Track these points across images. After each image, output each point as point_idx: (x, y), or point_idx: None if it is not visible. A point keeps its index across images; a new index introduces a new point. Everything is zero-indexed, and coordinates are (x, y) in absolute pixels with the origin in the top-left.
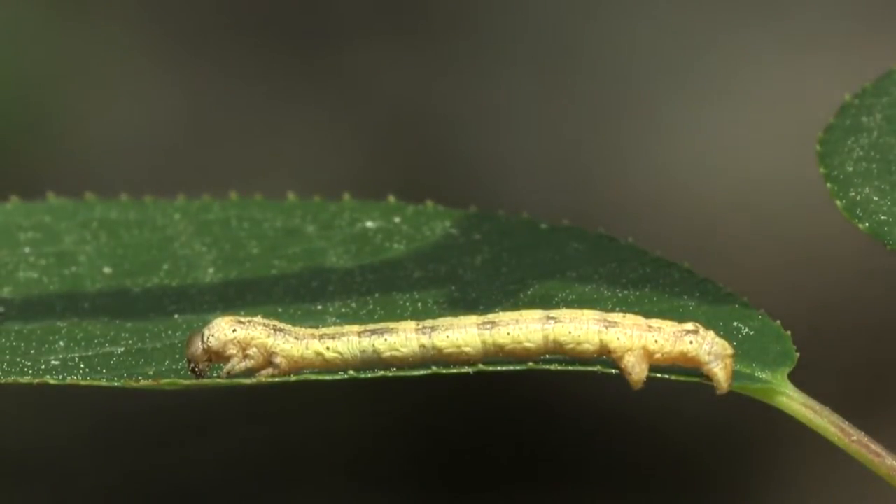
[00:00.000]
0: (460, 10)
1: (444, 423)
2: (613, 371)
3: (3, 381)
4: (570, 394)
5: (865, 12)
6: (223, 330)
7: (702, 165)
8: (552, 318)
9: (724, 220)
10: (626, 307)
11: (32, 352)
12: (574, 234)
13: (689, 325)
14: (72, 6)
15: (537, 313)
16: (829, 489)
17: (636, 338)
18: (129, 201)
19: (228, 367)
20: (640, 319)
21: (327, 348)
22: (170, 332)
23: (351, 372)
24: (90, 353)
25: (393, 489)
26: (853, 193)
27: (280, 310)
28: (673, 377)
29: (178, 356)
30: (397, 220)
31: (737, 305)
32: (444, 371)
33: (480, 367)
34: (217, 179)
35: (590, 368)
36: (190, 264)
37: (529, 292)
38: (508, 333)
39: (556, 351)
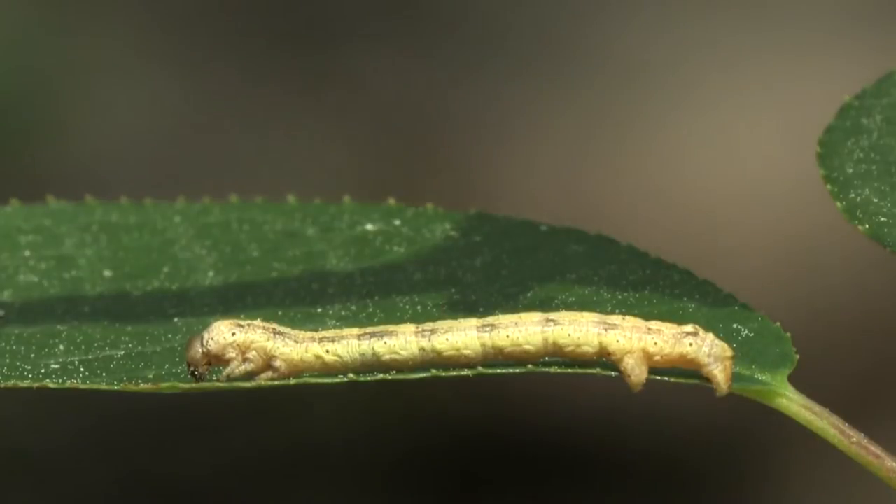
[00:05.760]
0: (461, 13)
1: (444, 423)
2: (613, 373)
3: (2, 385)
4: (568, 395)
5: (866, 13)
6: (222, 333)
7: (701, 166)
8: (551, 320)
9: (723, 222)
10: (626, 309)
11: (32, 355)
12: (574, 235)
13: (689, 328)
14: (72, 8)
15: (536, 316)
16: (829, 491)
17: (636, 340)
18: (129, 204)
19: (228, 370)
20: (639, 322)
21: (327, 351)
22: (170, 336)
23: (350, 375)
24: (90, 357)
25: (393, 489)
26: (853, 195)
27: (280, 313)
28: (672, 379)
29: (177, 359)
30: (397, 222)
31: (736, 307)
32: (444, 374)
33: (480, 369)
34: (217, 182)
35: (589, 371)
36: (190, 267)
37: (529, 294)
38: (508, 336)
39: (556, 353)
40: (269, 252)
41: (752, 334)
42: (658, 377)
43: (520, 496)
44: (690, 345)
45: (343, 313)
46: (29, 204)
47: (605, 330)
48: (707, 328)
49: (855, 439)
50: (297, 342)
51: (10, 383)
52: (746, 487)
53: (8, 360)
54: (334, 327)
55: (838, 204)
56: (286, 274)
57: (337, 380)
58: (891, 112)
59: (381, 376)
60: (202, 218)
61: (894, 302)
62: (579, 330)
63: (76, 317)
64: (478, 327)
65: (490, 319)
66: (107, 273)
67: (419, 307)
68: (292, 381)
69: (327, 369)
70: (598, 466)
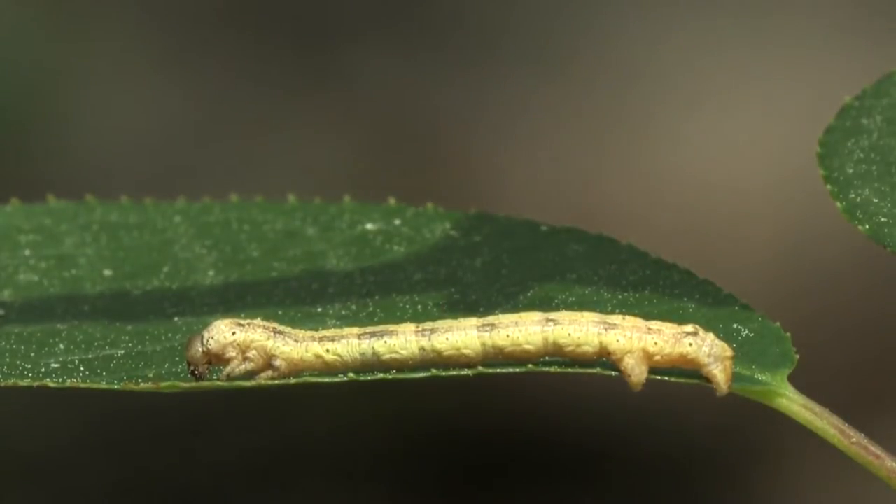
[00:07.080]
0: (462, 12)
1: (443, 424)
2: (613, 373)
3: (2, 384)
4: (568, 395)
5: (865, 14)
6: (223, 332)
7: (701, 166)
8: (551, 320)
9: (723, 222)
10: (626, 309)
11: (32, 354)
12: (574, 235)
13: (689, 327)
14: (71, 8)
15: (537, 315)
16: (829, 491)
17: (636, 340)
18: (129, 203)
19: (228, 369)
20: (639, 321)
21: (327, 351)
22: (170, 335)
23: (350, 374)
24: (90, 356)
25: (393, 489)
26: (853, 195)
27: (280, 312)
28: (672, 379)
29: (178, 359)
30: (397, 222)
31: (736, 307)
32: (444, 373)
33: (480, 369)
34: (217, 181)
35: (590, 371)
36: (190, 267)
37: (529, 294)
38: (508, 336)
39: (556, 353)
40: (270, 251)
41: (752, 334)
42: (658, 377)
43: (519, 496)
44: (690, 345)
45: (343, 313)
46: (29, 203)
47: (606, 329)
48: (707, 328)
49: (855, 439)
50: (297, 341)
51: (10, 382)
52: (745, 488)
53: (8, 359)
54: (334, 327)
55: (838, 204)
56: (286, 273)
57: (337, 379)
58: (891, 112)
59: (381, 376)
60: (202, 217)
61: (894, 302)
62: (579, 330)
63: (76, 316)
64: (478, 327)
65: (490, 319)
66: (107, 272)
67: (419, 307)
68: (292, 381)
69: (327, 369)
70: (598, 466)
